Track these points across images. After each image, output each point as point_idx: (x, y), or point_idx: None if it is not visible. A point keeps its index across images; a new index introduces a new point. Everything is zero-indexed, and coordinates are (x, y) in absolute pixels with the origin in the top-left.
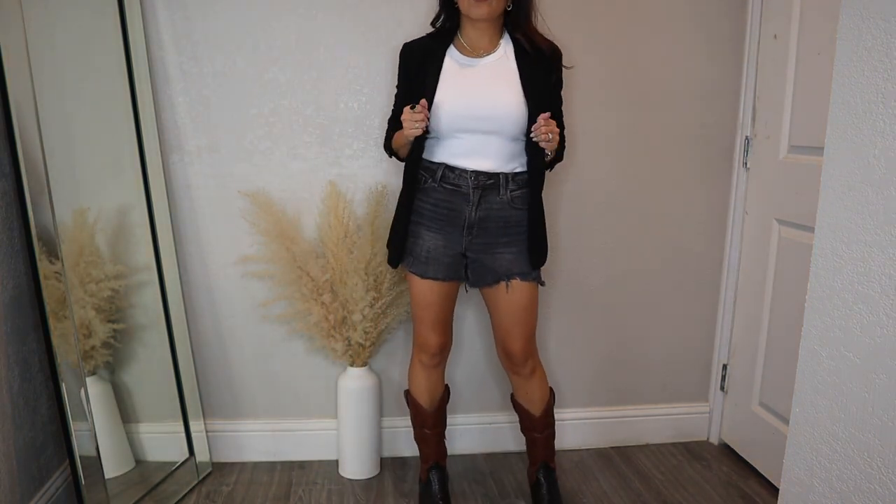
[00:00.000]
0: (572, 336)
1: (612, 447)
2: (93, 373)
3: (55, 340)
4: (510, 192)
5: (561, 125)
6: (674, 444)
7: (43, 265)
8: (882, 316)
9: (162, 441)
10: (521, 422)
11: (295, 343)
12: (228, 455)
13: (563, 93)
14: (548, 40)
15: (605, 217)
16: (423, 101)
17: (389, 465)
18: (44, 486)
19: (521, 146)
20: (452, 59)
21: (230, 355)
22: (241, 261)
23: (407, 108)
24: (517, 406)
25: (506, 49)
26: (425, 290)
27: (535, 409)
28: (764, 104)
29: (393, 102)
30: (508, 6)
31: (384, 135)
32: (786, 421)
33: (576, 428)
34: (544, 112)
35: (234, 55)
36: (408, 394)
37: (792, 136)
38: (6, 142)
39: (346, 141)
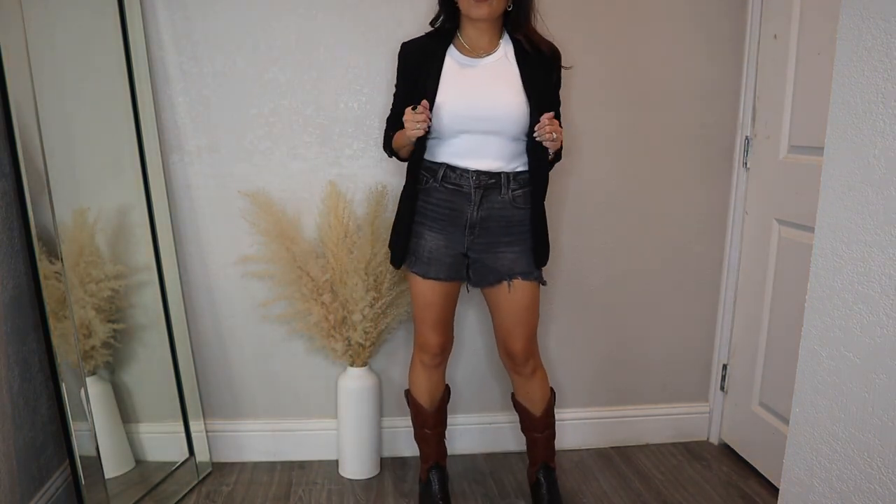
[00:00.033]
0: (572, 336)
1: (612, 447)
2: (93, 373)
3: (55, 340)
4: (512, 191)
5: (560, 125)
6: (674, 444)
7: (43, 265)
8: (882, 316)
9: (162, 441)
10: (522, 422)
11: (295, 343)
12: (228, 455)
13: (562, 93)
14: (547, 41)
15: (605, 217)
16: (425, 102)
17: (389, 465)
18: (44, 486)
19: (521, 146)
20: (453, 59)
21: (230, 355)
22: (241, 261)
23: (408, 109)
24: (518, 406)
25: (506, 49)
26: (426, 290)
27: (536, 408)
28: (764, 104)
29: (392, 102)
30: (509, 6)
31: (383, 135)
32: (786, 421)
33: (576, 428)
34: (545, 112)
35: (234, 55)
36: (408, 394)
37: (792, 136)
38: (6, 142)
39: (346, 141)
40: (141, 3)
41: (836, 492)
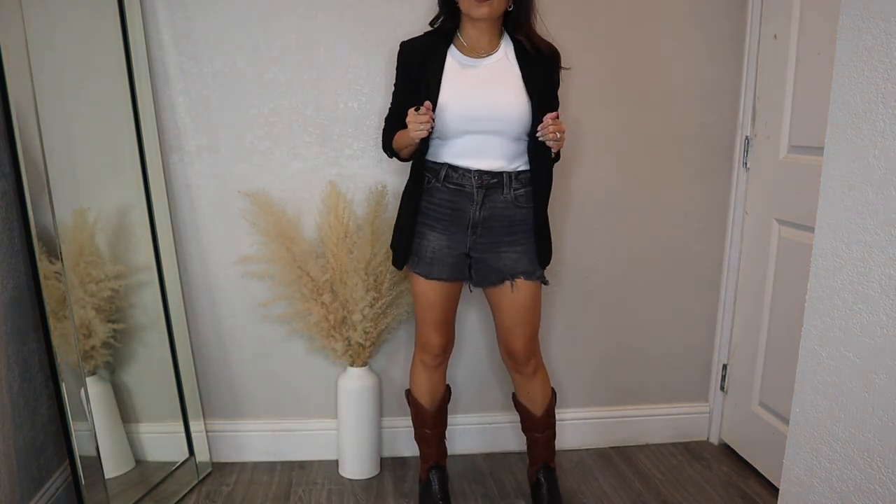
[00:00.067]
0: (572, 336)
1: (612, 447)
2: (93, 373)
3: (55, 340)
4: (514, 190)
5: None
6: (674, 444)
7: (43, 265)
8: (882, 316)
9: (162, 441)
10: (523, 421)
11: (295, 343)
12: (228, 455)
13: (562, 92)
14: (547, 41)
15: (605, 216)
16: (428, 103)
17: (389, 465)
18: (44, 486)
19: (523, 146)
20: (454, 59)
21: (230, 355)
22: (241, 261)
23: (411, 111)
24: (519, 406)
25: (506, 49)
26: (429, 290)
27: (537, 408)
28: (764, 104)
29: (390, 102)
30: (509, 6)
31: (382, 135)
32: (786, 421)
33: (576, 428)
34: (546, 112)
35: (234, 55)
36: (409, 393)
37: (792, 136)
38: (6, 142)
39: (346, 141)
40: (141, 3)
41: (836, 492)
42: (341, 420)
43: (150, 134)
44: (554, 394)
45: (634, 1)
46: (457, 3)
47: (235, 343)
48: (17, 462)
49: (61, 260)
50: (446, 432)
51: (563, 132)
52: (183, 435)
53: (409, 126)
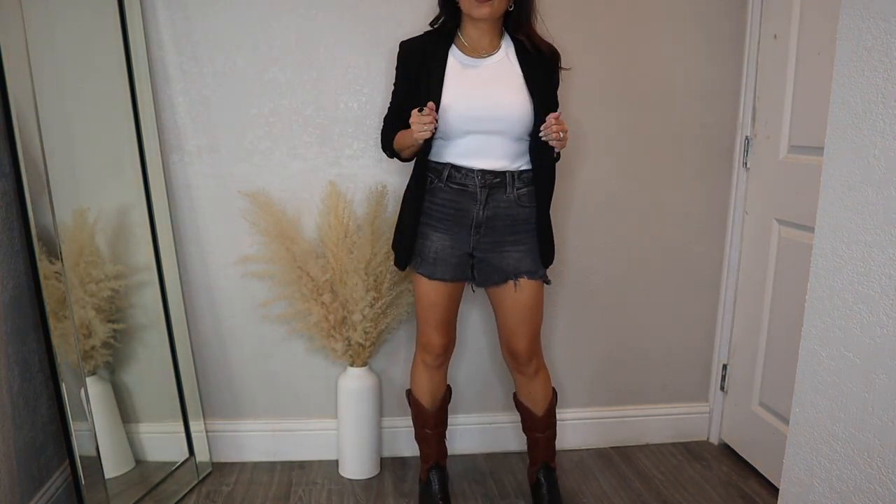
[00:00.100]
0: (572, 336)
1: (612, 447)
2: (93, 373)
3: (55, 340)
4: (517, 190)
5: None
6: (674, 444)
7: (43, 265)
8: (882, 316)
9: (162, 441)
10: (524, 421)
11: (295, 343)
12: (228, 455)
13: (562, 93)
14: (547, 42)
15: (605, 217)
16: (431, 104)
17: (389, 465)
18: (44, 486)
19: (524, 146)
20: (455, 60)
21: (230, 355)
22: (241, 261)
23: (415, 111)
24: (520, 405)
25: (507, 50)
26: (431, 291)
27: (538, 408)
28: (764, 104)
29: (390, 101)
30: (510, 6)
31: (381, 135)
32: (786, 421)
33: (576, 428)
34: (548, 112)
35: (234, 55)
36: (409, 393)
37: (792, 136)
38: (6, 142)
39: (346, 141)
40: (141, 3)
41: (836, 492)
42: (341, 420)
43: (150, 134)
44: (555, 394)
45: (634, 2)
46: (457, 3)
47: (235, 343)
48: (17, 462)
49: (61, 260)
50: (447, 432)
51: (566, 132)
52: (183, 435)
53: (413, 127)
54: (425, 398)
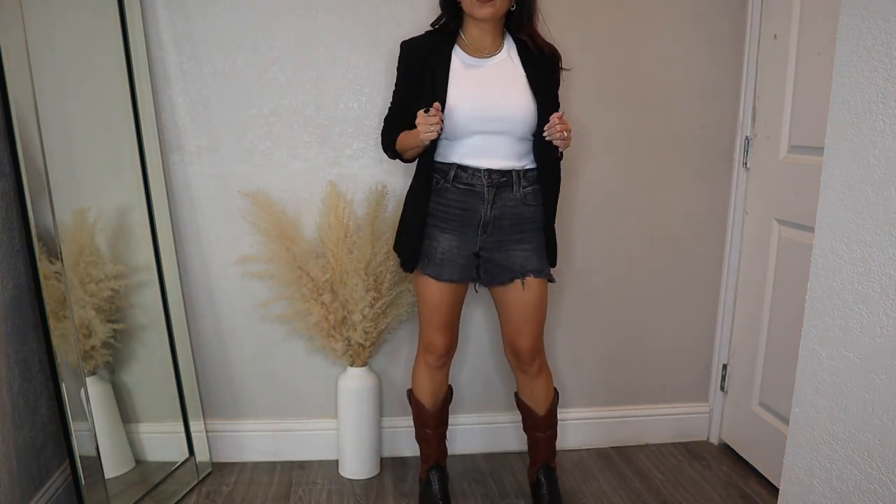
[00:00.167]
0: (572, 336)
1: (612, 447)
2: (93, 373)
3: (55, 340)
4: (523, 188)
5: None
6: (674, 444)
7: (43, 265)
8: (882, 316)
9: (162, 441)
10: (524, 421)
11: (295, 343)
12: (228, 455)
13: (562, 93)
14: (548, 42)
15: (605, 217)
16: (437, 105)
17: (389, 465)
18: (44, 486)
19: (528, 145)
20: (458, 59)
21: (230, 355)
22: (241, 261)
23: (421, 112)
24: (521, 405)
25: (509, 49)
26: (436, 292)
27: (540, 408)
28: (764, 104)
29: (391, 102)
30: (512, 6)
31: (381, 135)
32: (786, 421)
33: (576, 428)
34: (551, 111)
35: (234, 55)
36: (410, 393)
37: (792, 136)
38: (6, 142)
39: (346, 141)
40: (141, 3)
41: (836, 492)
42: (341, 420)
43: (150, 134)
44: (556, 393)
45: (634, 2)
46: (459, 3)
47: (235, 343)
48: (17, 462)
49: (61, 260)
50: (447, 432)
51: (570, 131)
52: (183, 435)
53: (419, 128)
54: (426, 398)
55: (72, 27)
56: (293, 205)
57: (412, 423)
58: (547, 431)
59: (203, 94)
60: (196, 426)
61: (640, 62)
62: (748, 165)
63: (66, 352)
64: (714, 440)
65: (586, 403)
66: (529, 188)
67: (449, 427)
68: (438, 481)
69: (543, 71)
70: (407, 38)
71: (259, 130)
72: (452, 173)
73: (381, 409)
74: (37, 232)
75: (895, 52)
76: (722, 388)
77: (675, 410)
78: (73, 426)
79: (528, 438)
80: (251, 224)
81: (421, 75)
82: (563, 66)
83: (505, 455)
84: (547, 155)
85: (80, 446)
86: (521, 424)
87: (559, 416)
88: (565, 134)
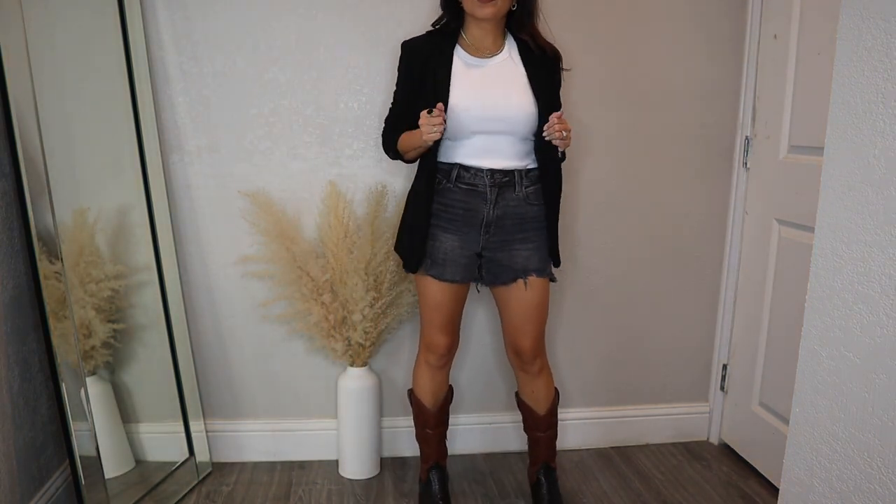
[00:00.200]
0: (573, 336)
1: (612, 447)
2: (93, 373)
3: (55, 340)
4: (525, 188)
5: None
6: (674, 444)
7: (43, 265)
8: (882, 316)
9: (162, 441)
10: (525, 420)
11: (295, 343)
12: (228, 455)
13: (563, 93)
14: (549, 42)
15: (605, 217)
16: (440, 105)
17: (389, 465)
18: (44, 486)
19: (530, 145)
20: (460, 60)
21: (230, 355)
22: (241, 261)
23: (424, 113)
24: (521, 404)
25: (510, 49)
26: (438, 292)
27: (540, 407)
28: (764, 104)
29: (391, 102)
30: (513, 6)
31: (382, 136)
32: (786, 421)
33: (576, 428)
34: (552, 112)
35: (234, 55)
36: (411, 393)
37: (792, 136)
38: (6, 142)
39: (346, 141)
40: (141, 3)
41: (836, 492)
42: (341, 420)
43: (150, 134)
44: (557, 393)
45: (635, 2)
46: (460, 3)
47: (235, 343)
48: (17, 462)
49: (61, 260)
50: (447, 432)
51: (570, 131)
52: (183, 435)
53: (423, 129)
54: (427, 398)
55: (72, 27)
56: (293, 205)
57: (412, 422)
58: (547, 431)
59: (203, 94)
60: (196, 426)
61: (640, 62)
62: (748, 165)
63: (66, 352)
64: (714, 440)
65: (586, 403)
66: (532, 188)
67: (449, 427)
68: (438, 481)
69: (544, 71)
70: (407, 38)
71: (259, 130)
72: (455, 173)
73: (381, 409)
74: (37, 232)
75: (895, 52)
76: (722, 388)
77: (675, 410)
78: (73, 426)
79: (529, 438)
80: (251, 224)
81: (422, 76)
82: (564, 66)
83: (505, 455)
84: (548, 155)
85: (80, 446)
86: (522, 424)
87: (559, 415)
88: (564, 134)
